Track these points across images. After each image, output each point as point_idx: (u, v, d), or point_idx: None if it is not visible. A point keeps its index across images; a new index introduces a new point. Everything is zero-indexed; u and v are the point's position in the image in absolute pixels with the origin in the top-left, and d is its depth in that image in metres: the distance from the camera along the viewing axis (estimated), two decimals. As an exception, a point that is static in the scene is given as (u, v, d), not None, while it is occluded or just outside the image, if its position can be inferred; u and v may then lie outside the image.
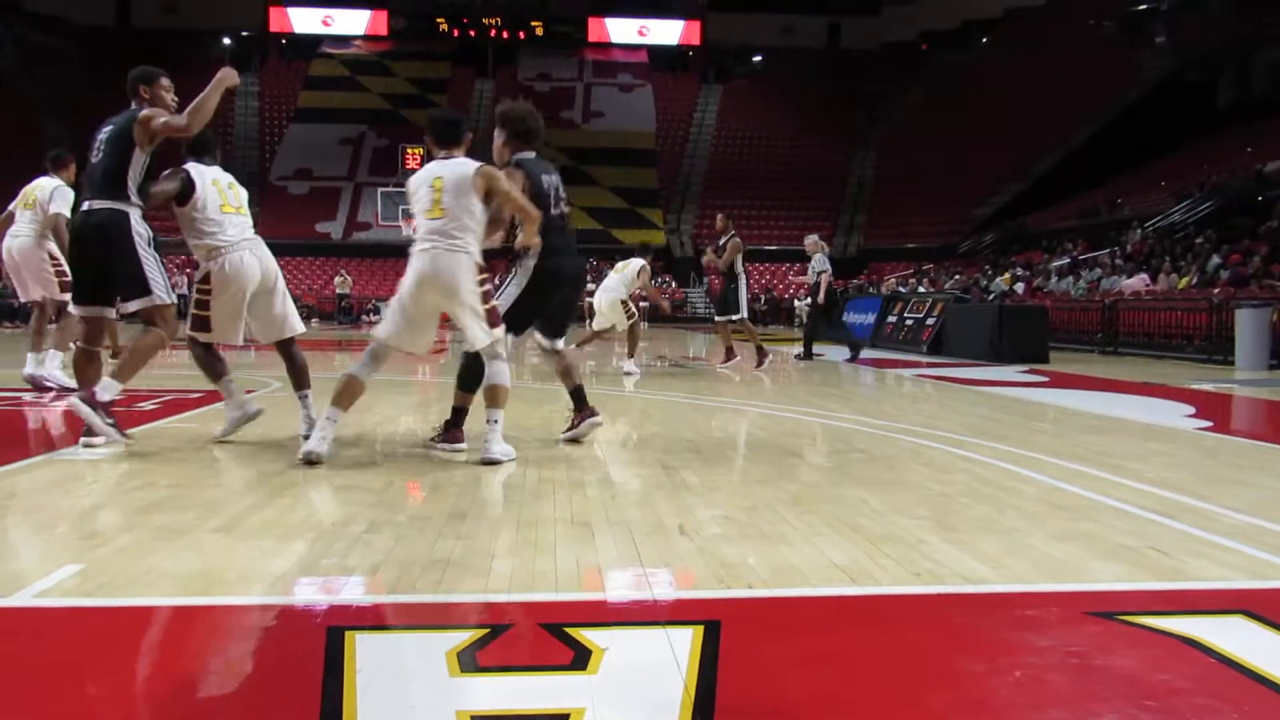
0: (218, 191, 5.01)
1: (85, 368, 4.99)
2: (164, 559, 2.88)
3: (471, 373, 4.94)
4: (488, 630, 2.27)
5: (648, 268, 10.93)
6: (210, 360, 5.16)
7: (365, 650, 2.13)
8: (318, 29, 47.27)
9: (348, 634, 2.22)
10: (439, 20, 47.29)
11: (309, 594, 2.57)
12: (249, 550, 2.98)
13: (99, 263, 4.76)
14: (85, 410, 4.63)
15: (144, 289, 4.74)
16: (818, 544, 3.11)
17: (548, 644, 2.21)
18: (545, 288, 5.02)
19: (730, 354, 11.44)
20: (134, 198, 4.75)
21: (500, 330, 4.69)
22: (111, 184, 4.72)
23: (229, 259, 4.96)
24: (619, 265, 11.08)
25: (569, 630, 2.28)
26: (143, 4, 45.12)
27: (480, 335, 4.59)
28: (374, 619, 2.36)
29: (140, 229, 4.76)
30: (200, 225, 4.95)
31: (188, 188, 4.91)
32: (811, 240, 13.23)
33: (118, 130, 4.78)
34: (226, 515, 3.42)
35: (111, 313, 4.95)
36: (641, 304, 15.08)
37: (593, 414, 5.29)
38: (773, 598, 2.59)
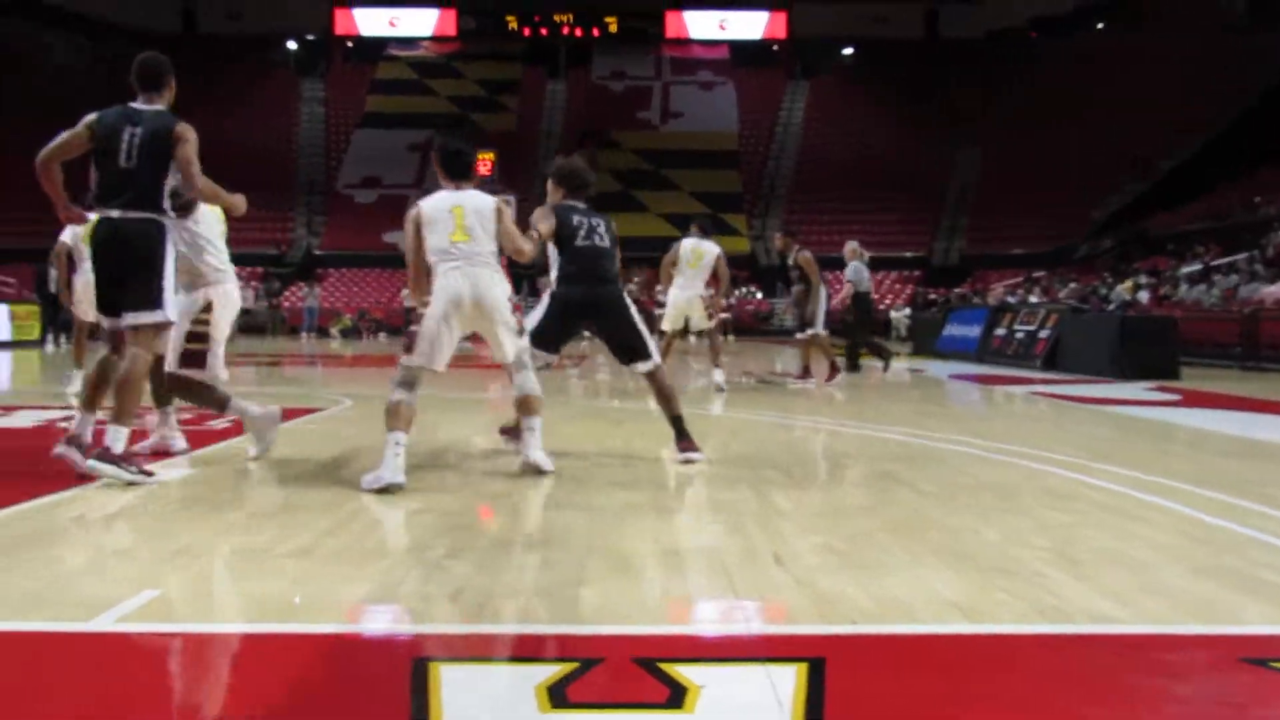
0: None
1: (102, 387, 4.95)
2: (241, 584, 2.98)
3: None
4: (578, 664, 2.30)
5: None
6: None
7: (452, 683, 2.18)
8: (384, 31, 48.44)
9: (432, 665, 2.28)
10: (509, 18, 48.05)
11: (391, 622, 2.64)
12: (327, 575, 3.06)
13: (122, 273, 4.72)
14: (107, 469, 4.47)
15: (156, 305, 4.70)
16: (925, 576, 3.08)
17: (641, 680, 2.23)
18: (558, 312, 5.54)
19: (809, 372, 11.42)
20: (168, 208, 4.76)
21: (525, 340, 5.14)
22: (147, 193, 4.68)
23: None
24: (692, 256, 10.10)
25: (663, 666, 2.29)
26: (208, 11, 46.83)
27: (511, 349, 4.98)
28: (459, 650, 2.41)
29: (172, 242, 4.79)
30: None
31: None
32: (850, 248, 13.28)
33: (152, 136, 4.69)
34: (302, 539, 3.53)
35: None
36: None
37: (692, 448, 5.39)
38: (879, 634, 2.57)
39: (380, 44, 48.35)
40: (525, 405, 5.09)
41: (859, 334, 13.63)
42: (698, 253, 9.99)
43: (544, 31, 48.31)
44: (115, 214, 4.66)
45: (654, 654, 2.37)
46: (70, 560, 3.22)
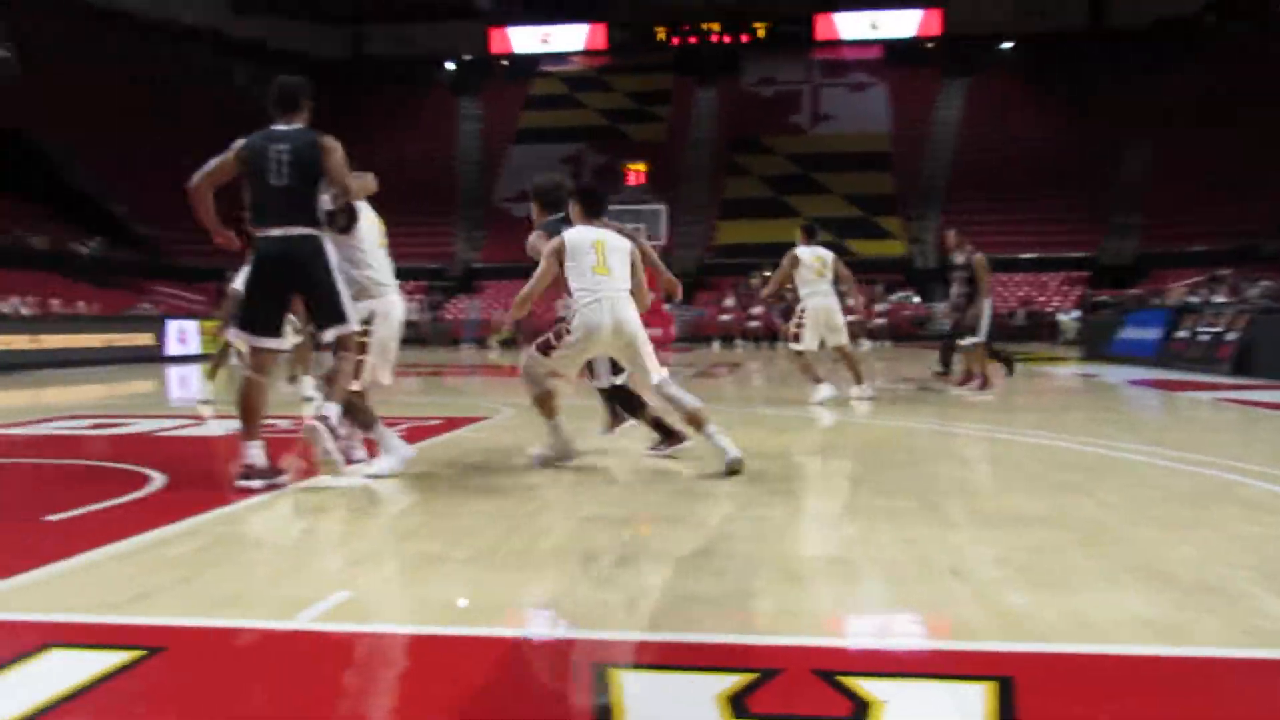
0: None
1: (258, 402, 5.03)
2: (425, 588, 3.09)
3: (628, 395, 5.90)
4: (757, 675, 2.29)
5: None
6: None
7: (634, 690, 2.20)
8: (537, 48, 49.57)
9: (612, 671, 2.30)
10: (657, 29, 48.47)
11: (569, 628, 2.68)
12: (504, 580, 3.15)
13: (293, 292, 4.93)
14: (326, 441, 4.78)
15: (344, 318, 4.91)
16: (1115, 593, 2.93)
17: (822, 693, 2.20)
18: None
19: (971, 378, 10.96)
20: (323, 223, 4.90)
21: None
22: (305, 208, 4.83)
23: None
24: (817, 263, 9.55)
25: (843, 679, 2.26)
26: (376, 36, 48.95)
27: (654, 374, 5.25)
28: (638, 657, 2.43)
29: (334, 253, 4.94)
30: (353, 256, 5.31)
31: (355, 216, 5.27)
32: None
33: (302, 152, 4.83)
34: (477, 545, 3.63)
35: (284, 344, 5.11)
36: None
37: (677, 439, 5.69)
38: (1070, 654, 2.46)
39: (533, 61, 49.51)
40: (694, 419, 5.26)
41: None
42: (821, 259, 9.52)
43: (693, 40, 48.49)
44: (277, 232, 4.82)
45: (833, 667, 2.33)
46: (268, 562, 3.41)
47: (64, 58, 38.25)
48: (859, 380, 9.61)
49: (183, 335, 22.50)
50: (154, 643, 2.49)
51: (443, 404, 10.04)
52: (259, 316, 4.91)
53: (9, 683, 2.25)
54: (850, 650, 2.52)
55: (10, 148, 32.95)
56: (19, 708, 2.09)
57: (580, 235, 5.27)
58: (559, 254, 5.21)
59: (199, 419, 8.32)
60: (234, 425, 7.86)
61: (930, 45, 47.99)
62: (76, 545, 3.54)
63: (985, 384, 10.68)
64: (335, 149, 4.86)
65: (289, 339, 5.65)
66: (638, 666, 2.37)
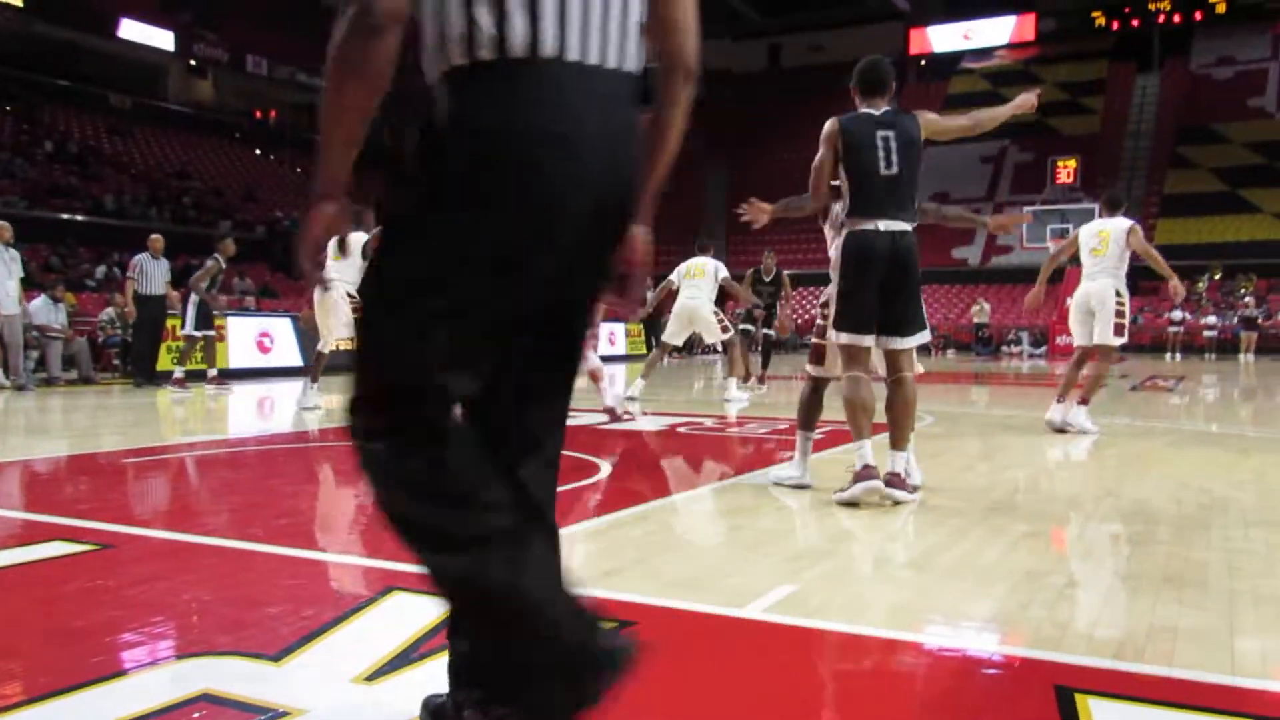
0: None
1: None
2: (865, 589, 3.11)
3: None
4: (1247, 720, 2.07)
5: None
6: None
7: (1105, 718, 2.08)
8: (958, 45, 47.98)
9: (1079, 696, 2.19)
10: (1095, 14, 44.98)
11: (1025, 645, 2.58)
12: (946, 589, 3.09)
13: (896, 290, 4.57)
14: (895, 494, 4.44)
15: (924, 325, 4.67)
16: None
17: (1338, 752, 1.94)
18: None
19: None
20: (916, 217, 4.65)
21: None
22: (912, 201, 4.60)
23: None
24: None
25: (1363, 739, 1.98)
26: (792, 46, 50.03)
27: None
28: (1105, 685, 2.28)
29: None
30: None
31: None
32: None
33: (911, 138, 4.60)
34: (916, 551, 3.60)
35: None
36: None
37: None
38: None
39: (954, 59, 47.99)
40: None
41: None
42: (1104, 234, 7.77)
43: (1135, 23, 44.44)
44: (895, 227, 4.53)
45: (1348, 724, 2.05)
46: (716, 552, 3.61)
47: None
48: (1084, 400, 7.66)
49: (612, 337, 24.36)
50: (627, 617, 2.73)
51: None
52: (861, 315, 4.59)
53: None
54: (1369, 708, 2.19)
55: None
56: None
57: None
58: None
59: (628, 415, 8.92)
60: (662, 422, 8.40)
61: None
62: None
63: None
64: (932, 115, 4.75)
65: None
66: (1106, 695, 2.22)
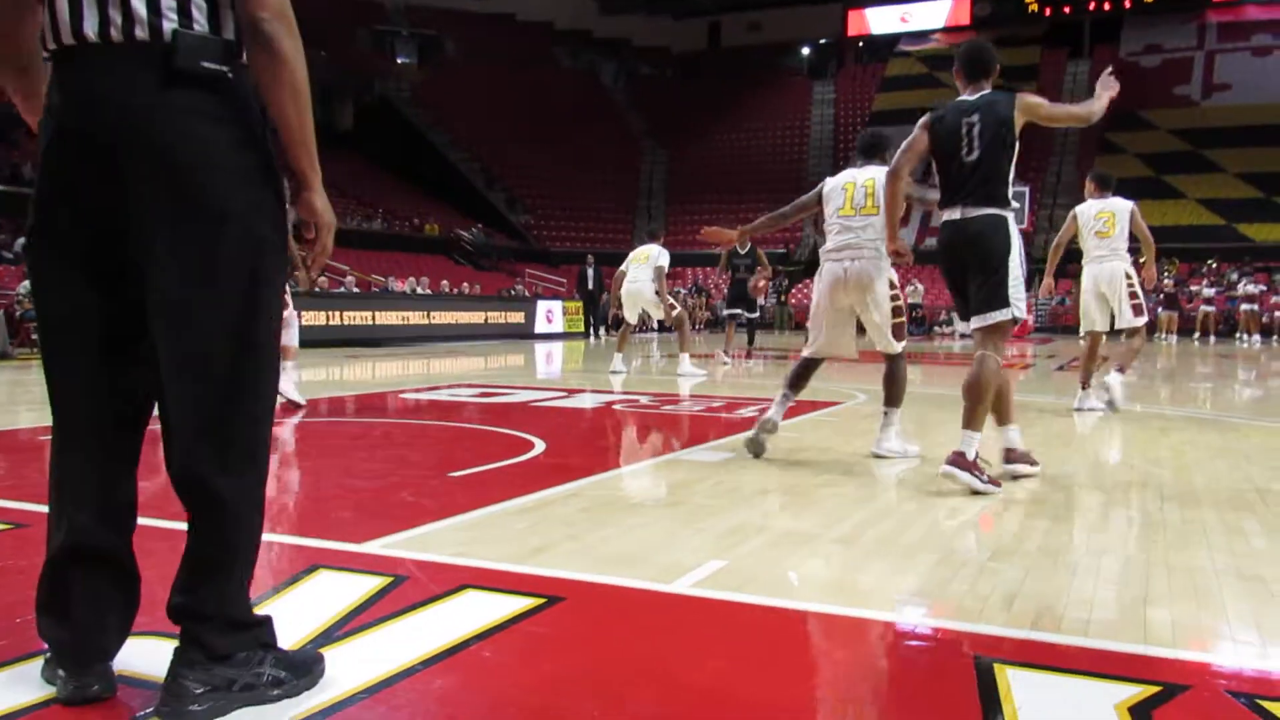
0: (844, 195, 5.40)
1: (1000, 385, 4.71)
2: (794, 564, 3.15)
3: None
4: (1160, 688, 2.13)
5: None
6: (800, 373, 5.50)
7: (1022, 688, 2.13)
8: (895, 27, 48.39)
9: (998, 667, 2.23)
10: (1028, 1, 45.68)
11: (946, 618, 2.63)
12: (872, 564, 3.14)
13: (972, 271, 4.60)
14: (960, 475, 4.33)
15: (1004, 303, 4.54)
16: None
17: (1240, 716, 2.01)
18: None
19: None
20: (1012, 200, 4.60)
21: None
22: (995, 185, 4.53)
23: (823, 266, 5.39)
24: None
25: (1265, 704, 2.05)
26: (731, 25, 50.02)
27: None
28: (1023, 655, 2.34)
29: (1018, 236, 4.60)
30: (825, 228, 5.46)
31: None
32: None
33: (998, 120, 4.55)
34: (846, 527, 3.65)
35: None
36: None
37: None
38: None
39: (891, 41, 48.39)
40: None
41: None
42: (1109, 214, 7.71)
43: (1067, 9, 45.23)
44: (957, 215, 4.58)
45: (1250, 690, 2.12)
46: (648, 529, 3.61)
47: (454, 63, 42.39)
48: (1122, 369, 7.72)
49: (549, 315, 24.27)
50: (555, 593, 2.73)
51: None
52: (959, 304, 4.73)
53: (438, 615, 2.56)
54: (1269, 677, 2.27)
55: (412, 143, 37.13)
56: (449, 637, 2.37)
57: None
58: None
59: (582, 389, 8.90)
60: (604, 399, 8.39)
61: (1359, -2, 41.68)
62: (478, 500, 3.96)
63: None
64: (1032, 99, 4.66)
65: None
66: (1025, 665, 2.27)
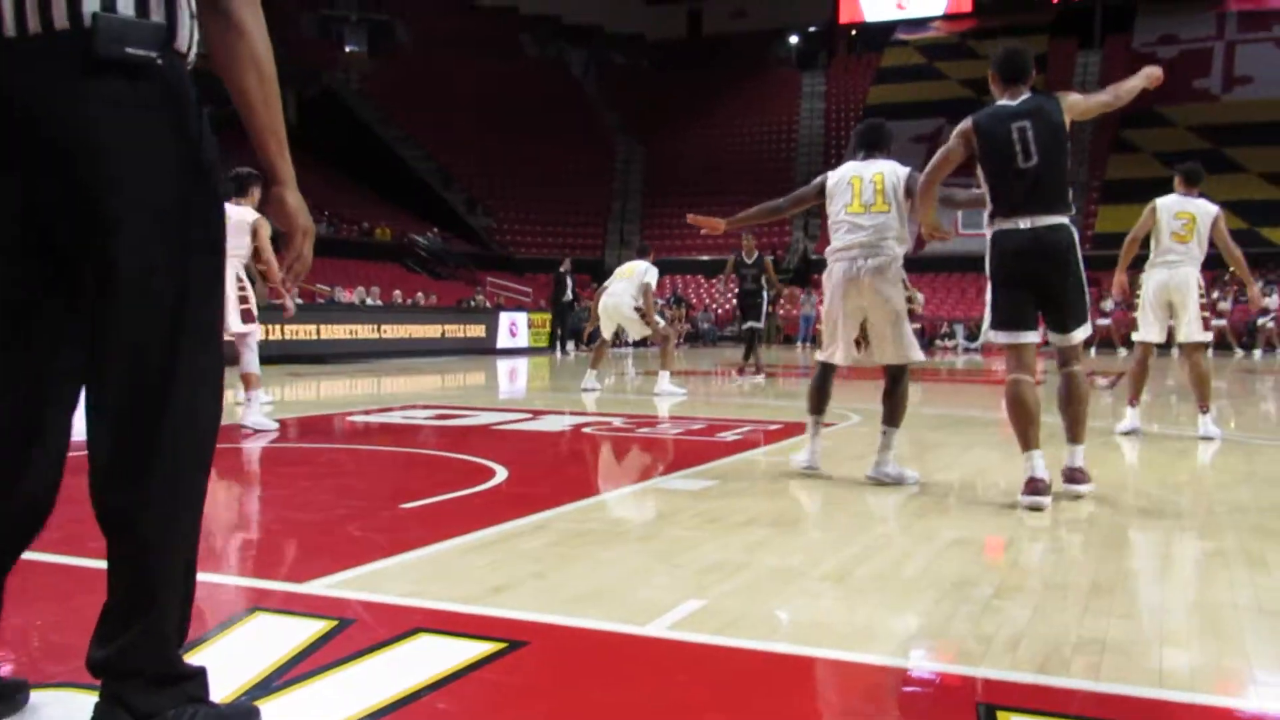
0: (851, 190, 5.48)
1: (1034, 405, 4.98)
2: (779, 603, 3.16)
3: None
4: (1177, 737, 2.16)
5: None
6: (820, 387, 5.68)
7: (1027, 737, 2.14)
8: (891, 15, 48.85)
9: (1001, 715, 2.25)
10: (1035, -14, 46.31)
11: (948, 661, 2.65)
12: (867, 603, 3.15)
13: (1054, 286, 4.85)
14: (1084, 489, 4.89)
15: (1085, 317, 4.92)
16: None
17: (1264, 767, 2.03)
18: None
19: None
20: (1072, 207, 4.87)
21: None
22: (1060, 192, 4.78)
23: (832, 267, 5.48)
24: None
25: (1290, 754, 2.08)
26: (713, 12, 50.37)
27: None
28: (1029, 701, 2.36)
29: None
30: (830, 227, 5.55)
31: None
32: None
33: (1052, 125, 4.75)
34: (834, 562, 3.66)
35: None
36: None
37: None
38: None
39: (886, 29, 48.82)
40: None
41: None
42: (1189, 214, 7.49)
43: (1076, -3, 45.88)
44: (1025, 225, 4.78)
45: (1275, 739, 2.15)
46: (620, 565, 3.61)
47: (408, 52, 42.39)
48: (1203, 405, 7.51)
49: (513, 328, 24.26)
50: (517, 636, 2.73)
51: (776, 409, 10.16)
52: (1014, 313, 4.90)
53: (387, 662, 2.55)
54: (1297, 721, 2.30)
55: (361, 139, 37.08)
56: (400, 687, 2.36)
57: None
58: None
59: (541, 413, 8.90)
60: (571, 421, 8.39)
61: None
62: (433, 535, 3.95)
63: None
64: (1076, 97, 4.91)
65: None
66: (1029, 712, 2.29)
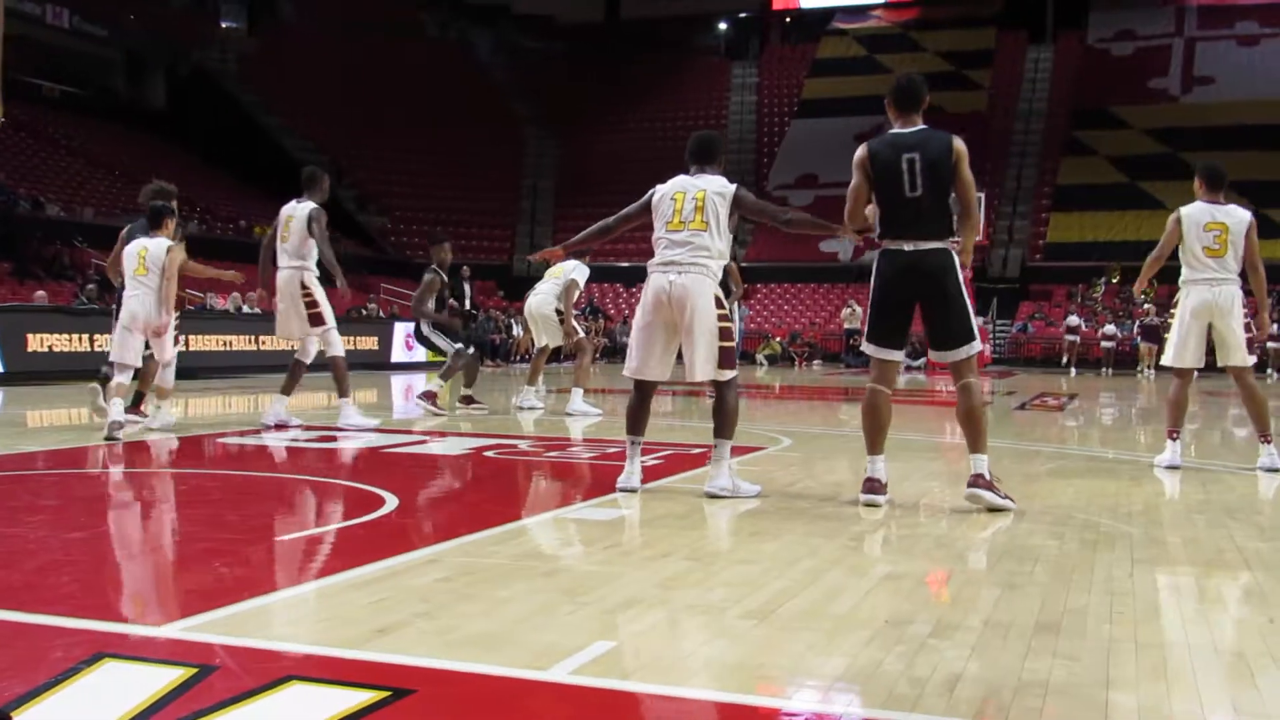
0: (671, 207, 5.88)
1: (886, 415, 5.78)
2: (696, 644, 3.18)
3: None
4: (1121, 786, 2.21)
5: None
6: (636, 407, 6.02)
7: (961, 789, 2.18)
8: (828, 1, 49.64)
9: (933, 765, 2.29)
10: (983, -26, 47.42)
11: (878, 706, 2.68)
12: (792, 643, 3.18)
13: (935, 307, 5.56)
14: (985, 496, 5.48)
15: (971, 335, 5.59)
16: None
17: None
18: None
19: None
20: (954, 232, 5.57)
21: None
22: (941, 221, 5.49)
23: (649, 279, 5.86)
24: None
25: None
26: (633, -6, 50.72)
27: None
28: (964, 750, 2.40)
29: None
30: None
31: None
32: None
33: (936, 158, 5.44)
34: (758, 599, 3.69)
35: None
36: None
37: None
38: None
39: (824, 18, 49.59)
40: None
41: None
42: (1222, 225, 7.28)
43: (1027, -13, 47.07)
44: (907, 247, 5.47)
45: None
46: (522, 603, 3.60)
47: (293, 29, 41.92)
48: (1265, 434, 7.42)
49: (409, 341, 24.05)
50: (402, 684, 2.70)
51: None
52: (885, 333, 5.69)
53: (254, 715, 2.50)
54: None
55: (239, 127, 36.55)
56: (266, 741, 2.32)
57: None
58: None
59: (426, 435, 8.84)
60: (466, 444, 8.34)
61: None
62: (311, 571, 3.89)
63: None
64: (965, 156, 5.52)
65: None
66: (965, 761, 2.33)
